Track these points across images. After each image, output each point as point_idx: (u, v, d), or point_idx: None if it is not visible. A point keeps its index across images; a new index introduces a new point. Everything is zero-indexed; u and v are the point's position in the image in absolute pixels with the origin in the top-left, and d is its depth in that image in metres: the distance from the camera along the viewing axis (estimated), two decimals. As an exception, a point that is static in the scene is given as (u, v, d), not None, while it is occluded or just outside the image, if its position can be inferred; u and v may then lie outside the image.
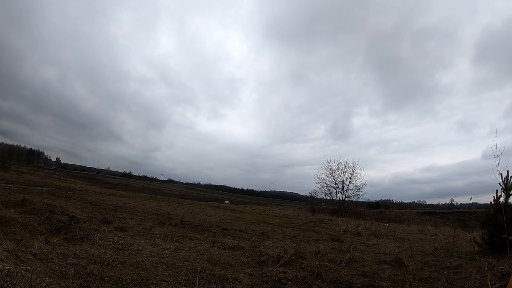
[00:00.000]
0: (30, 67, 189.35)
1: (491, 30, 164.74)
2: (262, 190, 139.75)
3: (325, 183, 38.11)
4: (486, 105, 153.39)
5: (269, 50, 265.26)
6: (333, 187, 37.69)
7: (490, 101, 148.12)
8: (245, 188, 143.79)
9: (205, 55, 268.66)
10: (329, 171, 38.05)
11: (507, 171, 6.15)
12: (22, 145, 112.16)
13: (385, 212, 40.49)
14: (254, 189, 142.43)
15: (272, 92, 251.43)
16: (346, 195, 36.91)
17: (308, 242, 8.20)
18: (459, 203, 71.03)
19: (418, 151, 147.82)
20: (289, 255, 4.84)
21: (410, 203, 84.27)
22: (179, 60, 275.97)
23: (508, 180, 6.21)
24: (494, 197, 6.63)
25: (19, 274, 2.53)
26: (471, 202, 66.52)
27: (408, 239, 11.48)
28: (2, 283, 2.24)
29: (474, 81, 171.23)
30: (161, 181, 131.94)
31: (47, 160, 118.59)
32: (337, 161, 47.19)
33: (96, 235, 5.27)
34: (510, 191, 6.22)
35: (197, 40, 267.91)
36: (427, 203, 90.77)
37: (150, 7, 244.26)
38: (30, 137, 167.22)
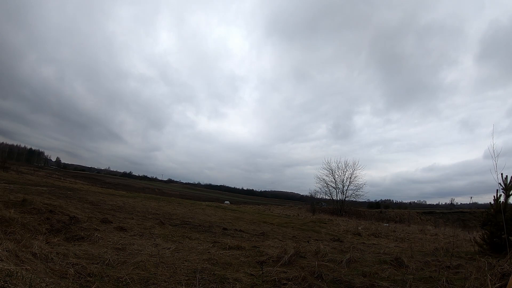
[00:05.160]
0: (29, 66, 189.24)
1: (497, 25, 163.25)
2: (262, 190, 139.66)
3: (325, 183, 38.10)
4: (490, 104, 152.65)
5: (271, 47, 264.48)
6: (333, 187, 37.69)
7: (494, 99, 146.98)
8: (245, 188, 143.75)
9: (206, 52, 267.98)
10: (329, 171, 38.04)
11: (501, 174, 6.13)
12: (22, 145, 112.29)
13: (385, 212, 40.49)
14: (254, 189, 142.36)
15: (273, 91, 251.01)
16: (346, 195, 36.90)
17: (308, 242, 8.20)
18: (459, 203, 71.17)
19: (420, 150, 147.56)
20: (289, 255, 4.84)
21: (410, 203, 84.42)
22: (179, 57, 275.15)
23: (508, 180, 6.21)
24: (494, 197, 6.63)
25: (19, 274, 2.53)
26: (471, 202, 66.66)
27: (408, 239, 11.48)
28: (2, 283, 2.24)
29: (478, 79, 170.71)
30: (161, 181, 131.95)
31: (47, 160, 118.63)
32: (337, 161, 47.19)
33: (96, 235, 5.28)
34: (510, 191, 6.21)
35: (198, 37, 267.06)
36: (427, 203, 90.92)
37: (150, 2, 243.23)
38: (30, 137, 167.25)
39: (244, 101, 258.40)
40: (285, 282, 3.55)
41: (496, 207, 6.46)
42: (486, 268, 4.05)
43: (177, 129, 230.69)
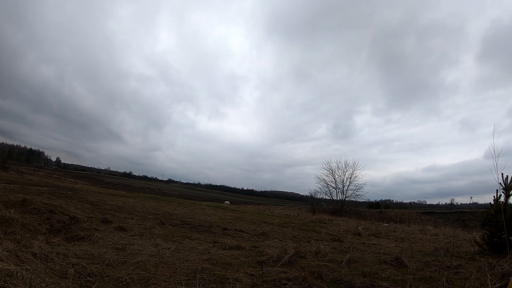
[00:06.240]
0: (28, 65, 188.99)
1: (499, 25, 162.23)
2: (263, 190, 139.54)
3: (325, 183, 38.10)
4: (491, 104, 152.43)
5: (271, 46, 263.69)
6: (333, 187, 37.68)
7: (495, 99, 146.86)
8: (245, 188, 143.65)
9: (206, 51, 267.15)
10: (329, 171, 38.05)
11: (502, 173, 6.12)
12: (22, 145, 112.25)
13: (385, 212, 40.50)
14: (254, 189, 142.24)
15: (273, 90, 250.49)
16: (346, 195, 36.89)
17: (308, 242, 8.20)
18: (459, 203, 71.14)
19: (420, 150, 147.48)
20: (289, 255, 4.84)
21: (410, 203, 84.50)
22: (179, 57, 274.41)
23: (509, 180, 6.21)
24: (494, 197, 6.62)
25: (19, 274, 2.53)
26: (471, 202, 66.69)
27: (408, 239, 11.47)
28: (2, 283, 2.24)
29: (479, 78, 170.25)
30: (161, 181, 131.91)
31: (47, 160, 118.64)
32: (337, 161, 47.22)
33: (96, 235, 5.28)
34: (510, 191, 6.21)
35: (198, 36, 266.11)
36: (427, 203, 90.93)
37: (150, 1, 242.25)
38: (30, 137, 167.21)
39: (244, 101, 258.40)
40: (285, 282, 3.55)
41: (496, 207, 6.45)
42: (486, 268, 4.05)
43: (177, 129, 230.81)
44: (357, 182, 36.26)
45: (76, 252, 4.03)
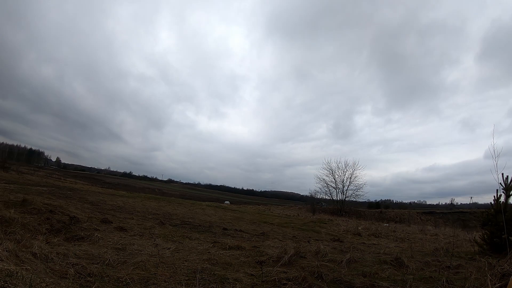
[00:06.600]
0: (28, 65, 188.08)
1: (499, 24, 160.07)
2: (263, 190, 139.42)
3: (325, 183, 38.14)
4: (492, 103, 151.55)
5: (272, 46, 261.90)
6: (333, 187, 37.72)
7: (495, 99, 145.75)
8: (245, 188, 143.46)
9: (206, 51, 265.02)
10: (329, 171, 38.09)
11: (502, 174, 6.12)
12: (22, 145, 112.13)
13: (385, 212, 40.50)
14: (254, 189, 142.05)
15: (274, 90, 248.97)
16: (346, 195, 36.94)
17: (308, 242, 8.19)
18: (459, 203, 70.92)
19: (421, 150, 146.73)
20: (289, 255, 4.84)
21: (410, 203, 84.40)
22: (180, 56, 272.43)
23: (509, 180, 6.21)
24: (494, 197, 6.62)
25: (19, 274, 2.53)
26: (471, 202, 66.61)
27: (408, 239, 11.47)
28: (2, 283, 2.24)
29: (480, 78, 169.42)
30: (161, 181, 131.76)
31: (47, 160, 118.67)
32: (337, 161, 47.12)
33: (96, 235, 5.28)
34: (510, 191, 6.21)
35: (198, 36, 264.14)
36: (427, 203, 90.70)
37: (150, 0, 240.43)
38: (30, 137, 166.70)
39: (244, 101, 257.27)
40: (285, 282, 3.55)
41: (496, 207, 6.45)
42: (486, 268, 4.05)
43: (177, 129, 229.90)
44: (357, 182, 36.37)
45: (76, 252, 4.03)
